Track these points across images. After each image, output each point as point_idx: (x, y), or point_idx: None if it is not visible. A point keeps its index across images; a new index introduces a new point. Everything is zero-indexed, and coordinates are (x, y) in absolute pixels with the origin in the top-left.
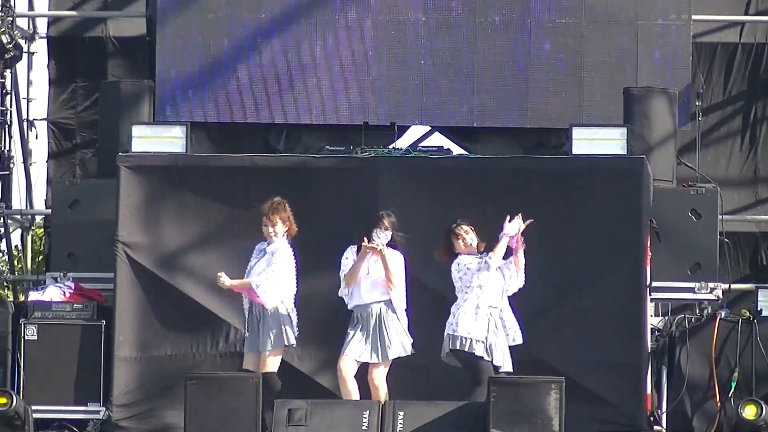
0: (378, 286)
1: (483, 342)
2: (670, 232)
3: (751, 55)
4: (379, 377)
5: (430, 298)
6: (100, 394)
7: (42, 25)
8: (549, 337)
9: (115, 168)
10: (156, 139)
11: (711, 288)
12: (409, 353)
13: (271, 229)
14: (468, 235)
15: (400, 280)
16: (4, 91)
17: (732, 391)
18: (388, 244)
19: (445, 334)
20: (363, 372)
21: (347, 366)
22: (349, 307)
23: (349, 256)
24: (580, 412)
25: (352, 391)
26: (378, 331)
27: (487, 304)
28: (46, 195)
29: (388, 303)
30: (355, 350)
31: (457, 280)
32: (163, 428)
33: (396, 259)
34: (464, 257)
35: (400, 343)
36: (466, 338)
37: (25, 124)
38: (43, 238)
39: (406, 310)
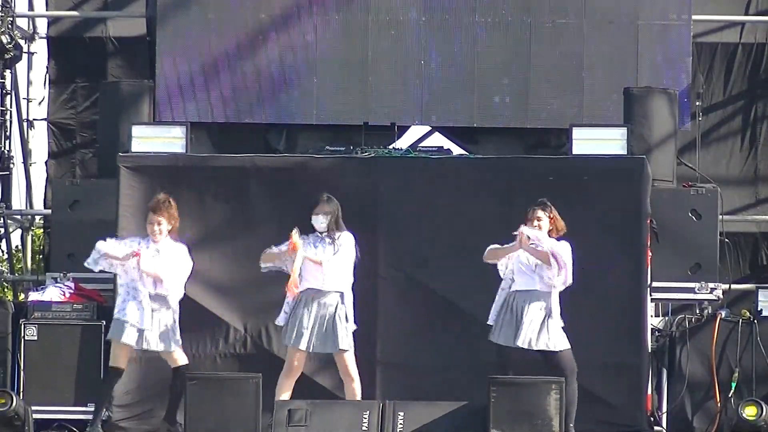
0: (342, 273)
1: None
2: (670, 232)
3: (751, 55)
4: (353, 366)
5: (430, 300)
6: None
7: (42, 25)
8: None
9: (115, 168)
10: (156, 139)
11: (711, 288)
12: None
13: (156, 228)
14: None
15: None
16: (4, 91)
17: (732, 391)
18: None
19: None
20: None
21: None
22: (299, 288)
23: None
24: (581, 412)
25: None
26: (334, 321)
27: None
28: (45, 195)
29: (343, 294)
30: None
31: None
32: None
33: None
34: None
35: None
36: None
37: (25, 124)
38: (42, 238)
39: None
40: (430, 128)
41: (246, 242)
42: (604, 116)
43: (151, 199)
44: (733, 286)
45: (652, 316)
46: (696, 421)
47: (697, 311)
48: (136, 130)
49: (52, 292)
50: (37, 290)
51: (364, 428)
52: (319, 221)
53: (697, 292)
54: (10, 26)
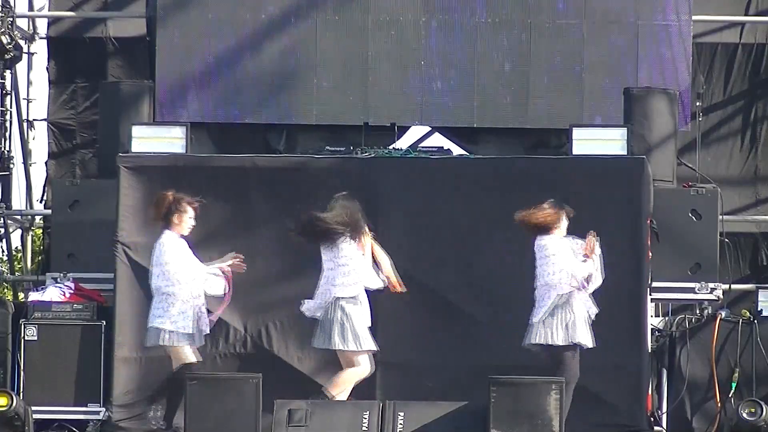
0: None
1: None
2: (670, 232)
3: (751, 55)
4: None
5: (430, 300)
6: (100, 394)
7: (42, 26)
8: None
9: (115, 168)
10: (156, 140)
11: (711, 288)
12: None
13: (192, 219)
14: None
15: None
16: (4, 91)
17: (732, 391)
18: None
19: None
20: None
21: None
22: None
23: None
24: (580, 412)
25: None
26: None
27: None
28: (44, 195)
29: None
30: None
31: None
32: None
33: None
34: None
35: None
36: None
37: (25, 124)
38: (42, 238)
39: None
40: (430, 128)
41: (246, 242)
42: (604, 116)
43: (151, 199)
44: (733, 286)
45: (652, 316)
46: (696, 421)
47: (697, 311)
48: (136, 131)
49: (52, 292)
50: (37, 290)
51: (364, 428)
52: None
53: (697, 292)
54: (10, 26)
